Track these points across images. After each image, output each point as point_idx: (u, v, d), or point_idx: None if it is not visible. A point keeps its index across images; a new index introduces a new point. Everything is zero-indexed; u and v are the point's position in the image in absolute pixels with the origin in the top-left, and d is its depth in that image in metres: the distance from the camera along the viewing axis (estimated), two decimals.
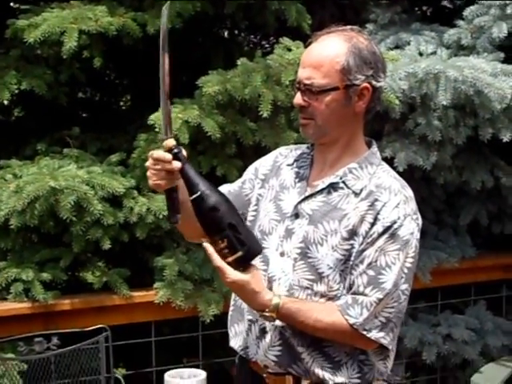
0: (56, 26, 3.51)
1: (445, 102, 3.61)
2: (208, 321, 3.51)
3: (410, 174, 3.67)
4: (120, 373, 3.66)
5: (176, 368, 3.35)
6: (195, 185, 1.92)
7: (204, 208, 1.90)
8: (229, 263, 1.91)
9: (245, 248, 1.91)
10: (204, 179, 1.95)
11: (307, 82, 1.99)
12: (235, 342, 2.15)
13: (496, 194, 4.18)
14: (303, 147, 2.19)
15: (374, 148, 2.10)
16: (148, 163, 1.98)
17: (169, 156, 1.94)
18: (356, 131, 2.07)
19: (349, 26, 2.07)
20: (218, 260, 1.90)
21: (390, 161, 3.53)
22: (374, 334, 1.97)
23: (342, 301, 1.97)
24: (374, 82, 2.01)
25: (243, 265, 1.91)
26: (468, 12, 4.02)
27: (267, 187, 2.15)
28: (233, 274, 1.90)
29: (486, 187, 4.03)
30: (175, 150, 1.94)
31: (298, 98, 2.02)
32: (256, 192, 2.17)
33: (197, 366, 3.68)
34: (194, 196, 1.91)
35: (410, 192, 2.04)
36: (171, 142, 1.94)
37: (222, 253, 1.91)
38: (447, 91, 3.61)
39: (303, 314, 1.95)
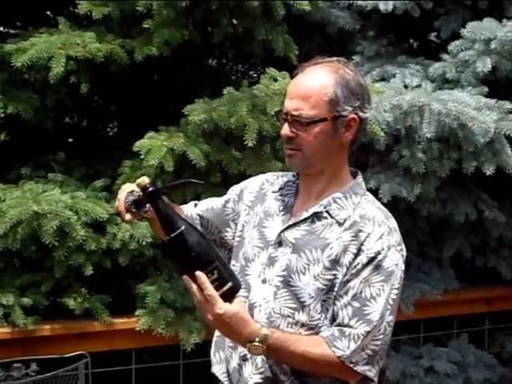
0: (44, 51, 3.52)
1: (429, 135, 3.64)
2: (189, 349, 3.49)
3: (393, 206, 3.69)
4: None
5: None
6: (174, 222, 1.87)
7: (189, 243, 1.85)
8: None
9: (233, 278, 1.89)
10: (178, 214, 1.91)
11: (295, 113, 1.99)
12: (218, 369, 2.13)
13: (479, 227, 4.19)
14: (289, 175, 2.19)
15: (359, 178, 2.11)
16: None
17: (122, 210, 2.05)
18: (342, 162, 2.08)
19: (335, 58, 2.08)
20: (210, 289, 1.84)
21: (374, 192, 3.54)
22: (361, 367, 1.95)
23: (328, 333, 1.96)
24: (360, 113, 2.02)
25: (232, 296, 1.88)
26: (453, 46, 4.07)
27: (252, 214, 2.15)
28: (224, 305, 1.86)
29: (470, 220, 4.05)
30: (150, 189, 1.90)
31: (286, 129, 2.02)
32: (242, 219, 2.17)
33: None
34: (176, 232, 1.85)
35: (393, 223, 2.04)
36: (145, 181, 1.91)
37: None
38: (431, 124, 3.64)
39: (292, 344, 1.92)
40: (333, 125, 2.00)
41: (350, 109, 2.00)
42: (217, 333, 2.16)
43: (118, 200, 2.08)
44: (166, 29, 3.67)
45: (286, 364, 1.98)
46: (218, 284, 1.85)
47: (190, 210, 2.26)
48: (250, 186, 2.21)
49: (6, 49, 3.63)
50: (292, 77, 2.10)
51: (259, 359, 2.01)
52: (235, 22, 3.93)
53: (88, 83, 3.70)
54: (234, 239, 2.19)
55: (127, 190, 2.06)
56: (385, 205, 2.27)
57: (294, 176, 2.16)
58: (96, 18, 3.75)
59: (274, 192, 2.15)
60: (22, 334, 3.37)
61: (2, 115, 3.71)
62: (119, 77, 3.92)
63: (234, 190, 2.24)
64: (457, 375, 4.14)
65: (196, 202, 2.31)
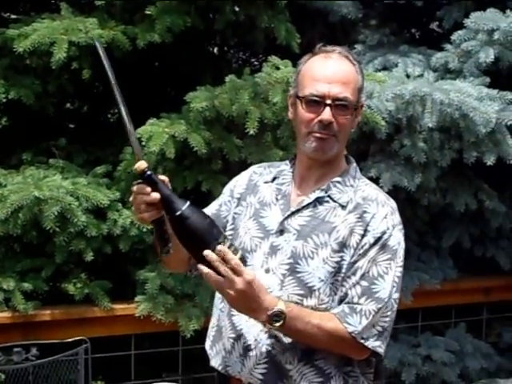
0: (46, 37, 3.52)
1: (430, 125, 3.65)
2: (188, 336, 3.51)
3: (394, 195, 3.66)
4: None
5: (155, 382, 3.34)
6: (176, 202, 1.87)
7: (198, 215, 1.86)
8: None
9: (238, 247, 1.92)
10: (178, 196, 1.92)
11: (341, 96, 2.00)
12: (215, 361, 2.12)
13: (479, 217, 4.21)
14: (280, 164, 2.20)
15: (354, 163, 2.14)
16: (131, 198, 1.96)
17: (147, 189, 1.89)
18: (344, 148, 2.12)
19: (344, 47, 2.11)
20: (235, 257, 1.83)
21: (374, 181, 3.53)
22: (371, 343, 1.97)
23: (338, 309, 1.98)
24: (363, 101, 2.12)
25: (244, 265, 1.87)
26: (456, 36, 4.06)
27: (244, 205, 2.15)
28: (251, 272, 1.86)
29: (470, 210, 4.06)
30: (148, 172, 1.89)
31: (329, 114, 1.99)
32: (232, 211, 2.18)
33: (176, 381, 3.67)
34: (183, 209, 1.85)
35: (394, 203, 2.09)
36: (143, 165, 1.90)
37: None
38: (433, 114, 3.64)
39: (307, 315, 1.94)
40: (357, 111, 2.06)
41: (363, 97, 2.10)
42: (214, 327, 2.15)
43: (138, 190, 1.91)
44: (169, 15, 3.67)
45: (300, 339, 1.97)
46: (233, 251, 1.85)
47: None
48: (238, 182, 2.22)
49: (8, 34, 3.64)
50: (312, 55, 2.06)
51: (264, 349, 2.00)
52: (237, 9, 3.93)
53: (90, 69, 3.70)
54: None
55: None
56: None
57: (286, 164, 2.17)
58: (98, 4, 3.76)
59: (266, 182, 2.15)
60: (22, 318, 3.39)
61: (4, 100, 3.71)
62: (121, 63, 3.90)
63: (224, 193, 2.24)
64: (454, 364, 4.16)
65: None
